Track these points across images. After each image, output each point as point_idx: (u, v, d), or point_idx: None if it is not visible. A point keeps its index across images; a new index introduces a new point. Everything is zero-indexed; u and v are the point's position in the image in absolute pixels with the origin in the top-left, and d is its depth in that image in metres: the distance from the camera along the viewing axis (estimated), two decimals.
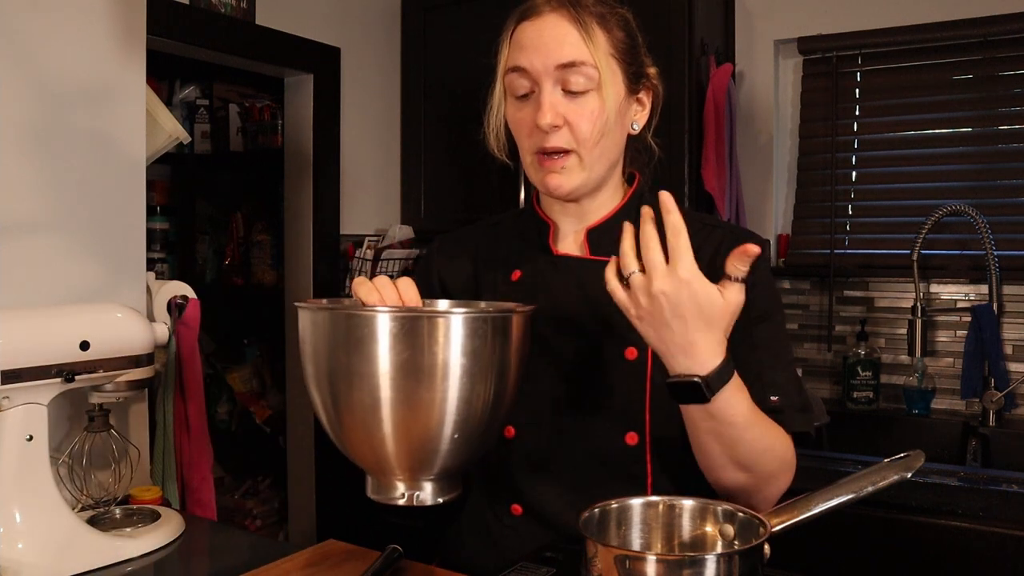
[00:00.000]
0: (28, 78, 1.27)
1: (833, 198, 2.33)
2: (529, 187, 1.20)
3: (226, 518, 2.74)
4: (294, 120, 2.47)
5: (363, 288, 0.90)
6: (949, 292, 2.22)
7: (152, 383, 1.36)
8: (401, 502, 0.86)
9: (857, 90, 2.33)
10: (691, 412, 0.92)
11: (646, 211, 0.86)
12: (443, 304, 1.00)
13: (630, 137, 1.10)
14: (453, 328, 0.81)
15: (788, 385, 1.04)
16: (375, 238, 2.47)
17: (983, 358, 2.11)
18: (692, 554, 0.84)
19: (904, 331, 2.24)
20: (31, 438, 1.07)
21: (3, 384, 1.04)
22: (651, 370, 1.03)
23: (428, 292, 1.16)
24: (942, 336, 2.23)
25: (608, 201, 1.11)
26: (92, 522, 1.16)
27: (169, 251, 3.14)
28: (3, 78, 1.24)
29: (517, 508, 1.09)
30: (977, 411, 2.13)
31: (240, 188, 3.15)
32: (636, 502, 0.89)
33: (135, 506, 1.25)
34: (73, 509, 1.12)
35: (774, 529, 0.83)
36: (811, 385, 2.38)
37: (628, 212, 1.11)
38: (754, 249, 0.81)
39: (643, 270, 0.85)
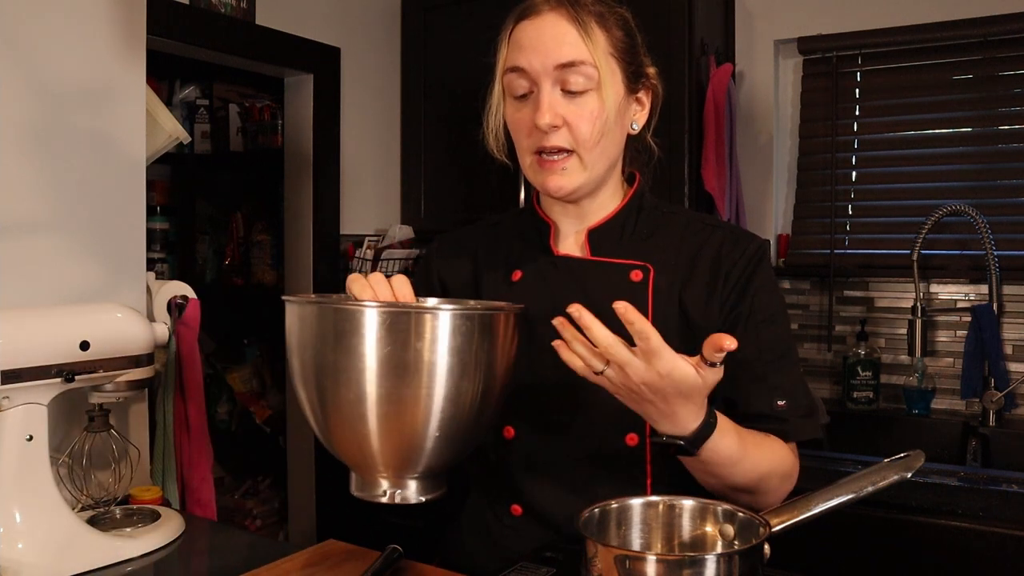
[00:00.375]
0: (28, 78, 1.27)
1: (833, 198, 2.33)
2: (529, 187, 1.19)
3: (226, 518, 2.74)
4: (294, 120, 2.47)
5: (357, 284, 0.90)
6: (949, 292, 2.22)
7: (152, 383, 1.36)
8: (384, 500, 0.86)
9: (857, 90, 2.33)
10: (683, 459, 0.94)
11: (583, 316, 0.83)
12: (434, 302, 0.99)
13: (629, 137, 1.10)
14: (440, 324, 0.80)
15: (794, 388, 1.04)
16: (375, 238, 2.47)
17: (983, 358, 2.11)
18: (692, 554, 0.84)
19: (904, 331, 2.24)
20: (31, 438, 1.07)
21: (3, 384, 1.04)
22: None
23: (428, 292, 1.16)
24: (942, 336, 2.23)
25: (608, 201, 1.11)
26: (92, 522, 1.16)
27: (169, 251, 3.13)
28: (3, 78, 1.24)
29: (517, 508, 1.09)
30: (977, 411, 2.13)
31: (240, 188, 3.15)
32: (636, 502, 0.89)
33: (135, 506, 1.25)
34: (73, 509, 1.12)
35: (774, 529, 0.83)
36: (811, 385, 2.35)
37: (629, 212, 1.11)
38: (730, 344, 0.79)
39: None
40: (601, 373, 0.84)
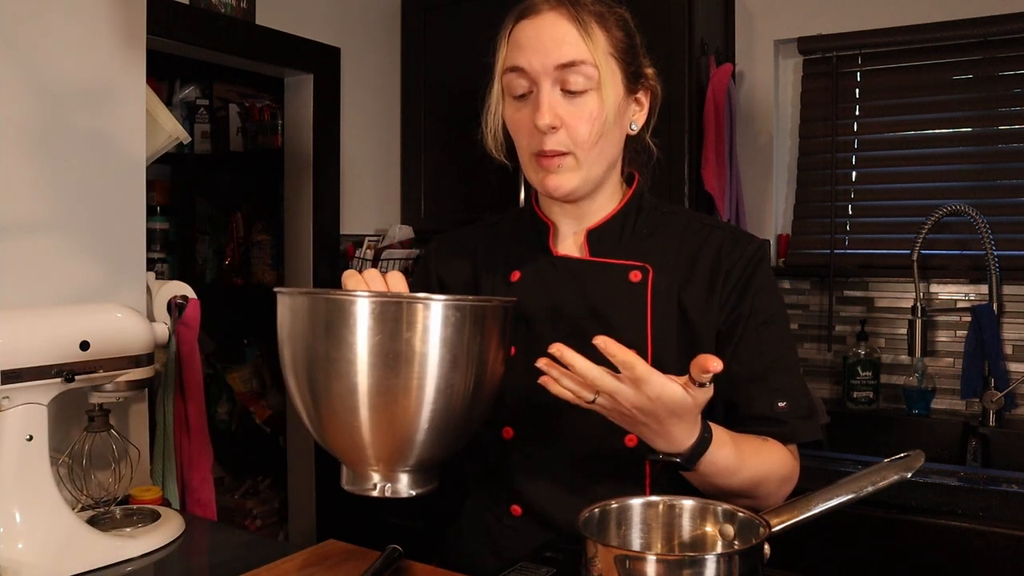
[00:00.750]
0: (28, 78, 1.27)
1: (833, 198, 2.33)
2: (529, 187, 1.19)
3: (226, 518, 2.74)
4: (294, 120, 2.47)
5: (352, 280, 0.91)
6: (949, 292, 2.22)
7: (152, 383, 1.36)
8: (374, 493, 0.85)
9: (857, 90, 2.33)
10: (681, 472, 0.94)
11: (564, 355, 0.82)
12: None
13: (629, 137, 1.10)
14: (432, 314, 0.80)
15: (794, 390, 1.05)
16: (375, 238, 2.47)
17: (983, 358, 2.11)
18: (692, 554, 0.84)
19: (904, 331, 2.24)
20: (31, 438, 1.07)
21: (3, 384, 1.04)
22: None
23: (427, 291, 1.16)
24: (942, 336, 2.23)
25: (607, 202, 1.11)
26: (92, 522, 1.16)
27: (169, 251, 3.13)
28: (3, 78, 1.24)
29: (516, 509, 1.09)
30: (977, 411, 2.13)
31: (240, 188, 3.15)
32: (636, 502, 0.89)
33: (135, 506, 1.25)
34: (73, 509, 1.12)
35: (774, 529, 0.83)
36: (811, 385, 2.37)
37: (628, 213, 1.11)
38: (715, 366, 0.80)
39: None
40: (593, 402, 0.85)
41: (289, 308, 0.85)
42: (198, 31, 2.06)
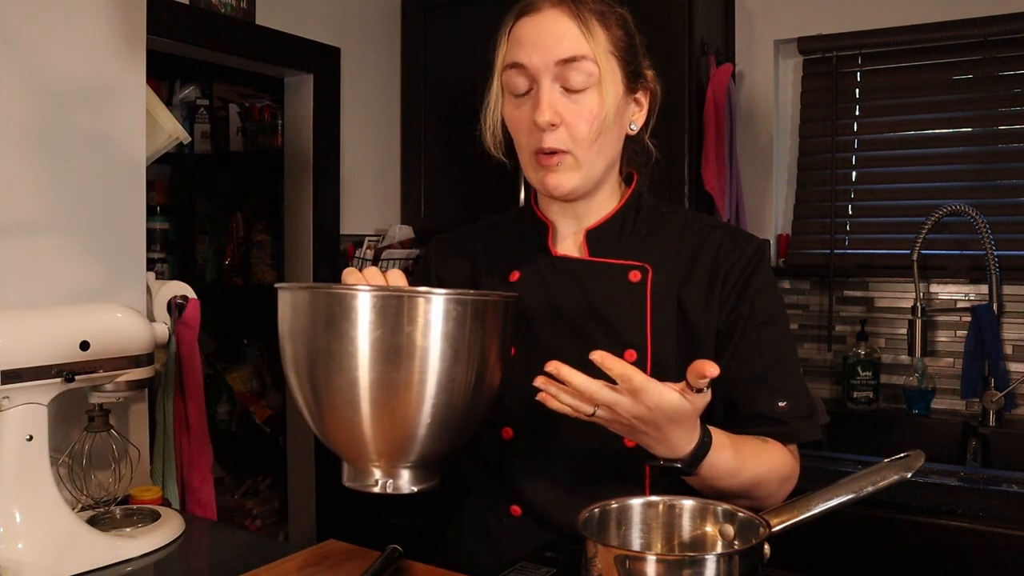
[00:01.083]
0: (28, 78, 1.27)
1: (833, 198, 2.33)
2: (528, 187, 1.19)
3: (226, 518, 2.74)
4: (294, 120, 2.47)
5: (352, 277, 0.92)
6: (949, 292, 2.22)
7: (152, 383, 1.36)
8: (376, 489, 0.85)
9: (857, 90, 2.33)
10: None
11: (561, 372, 0.82)
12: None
13: (628, 137, 1.10)
14: (433, 308, 0.80)
15: (794, 390, 1.05)
16: (375, 238, 2.47)
17: (983, 358, 2.11)
18: (692, 554, 0.84)
19: (904, 331, 2.24)
20: (31, 438, 1.07)
21: (3, 384, 1.04)
22: (650, 371, 1.03)
23: None
24: (942, 336, 2.23)
25: (607, 202, 1.11)
26: (92, 522, 1.16)
27: (169, 251, 3.13)
28: (3, 78, 1.24)
29: (516, 509, 1.09)
30: (977, 411, 2.13)
31: (240, 188, 3.15)
32: (636, 502, 0.89)
33: (135, 506, 1.25)
34: (73, 509, 1.12)
35: (774, 529, 0.83)
36: (811, 385, 2.37)
37: (627, 212, 1.11)
38: (712, 371, 0.80)
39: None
40: (592, 415, 0.85)
41: (290, 303, 0.85)
42: (198, 31, 2.06)
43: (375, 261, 2.42)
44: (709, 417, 1.08)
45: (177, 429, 1.46)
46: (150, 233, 2.81)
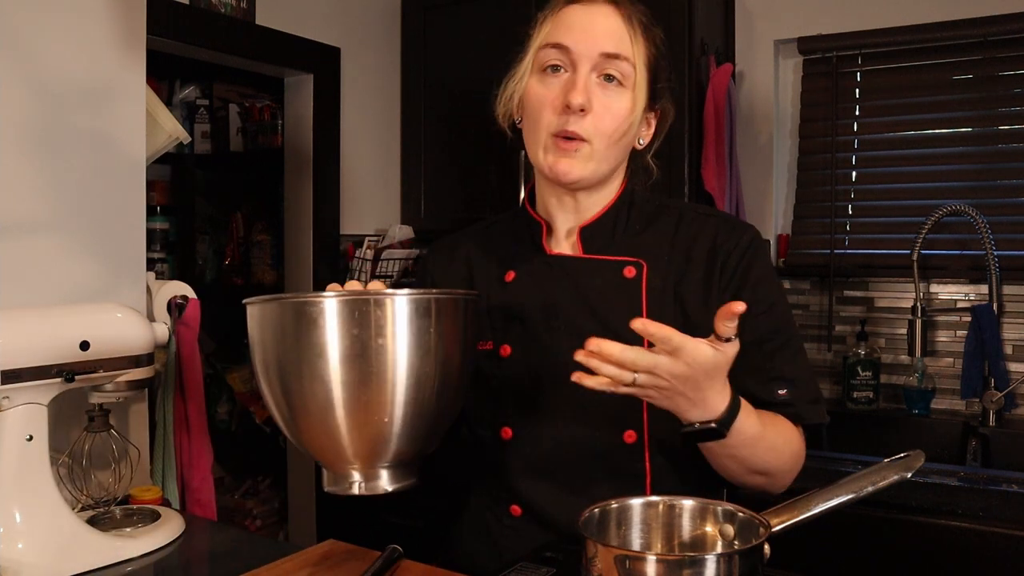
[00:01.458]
0: (28, 78, 1.27)
1: (833, 198, 2.33)
2: (526, 187, 1.19)
3: (226, 518, 2.74)
4: (294, 120, 2.47)
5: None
6: (949, 292, 2.22)
7: (152, 383, 1.36)
8: (355, 491, 0.87)
9: (857, 90, 2.33)
10: (707, 444, 0.95)
11: (603, 347, 0.83)
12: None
13: (632, 152, 1.11)
14: (397, 308, 0.83)
15: (798, 375, 1.05)
16: (375, 238, 2.47)
17: (983, 358, 2.11)
18: (692, 554, 0.84)
19: (904, 331, 2.24)
20: (31, 438, 1.07)
21: (3, 384, 1.04)
22: None
23: None
24: (942, 336, 2.23)
25: (602, 200, 1.11)
26: (92, 522, 1.16)
27: (169, 251, 3.13)
28: (3, 78, 1.24)
29: (516, 509, 1.09)
30: (977, 411, 2.13)
31: (240, 188, 3.15)
32: (636, 502, 0.89)
33: (135, 506, 1.25)
34: (73, 509, 1.12)
35: (774, 529, 0.83)
36: None
37: (619, 209, 1.11)
38: (739, 307, 0.82)
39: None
40: (632, 383, 0.85)
41: (257, 317, 0.87)
42: (198, 31, 2.06)
43: (375, 261, 2.42)
44: None
45: (177, 429, 1.46)
46: (150, 233, 2.81)
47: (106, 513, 1.21)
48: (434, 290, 0.89)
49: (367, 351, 0.81)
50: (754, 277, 1.06)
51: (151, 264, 2.55)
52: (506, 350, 1.08)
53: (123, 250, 1.41)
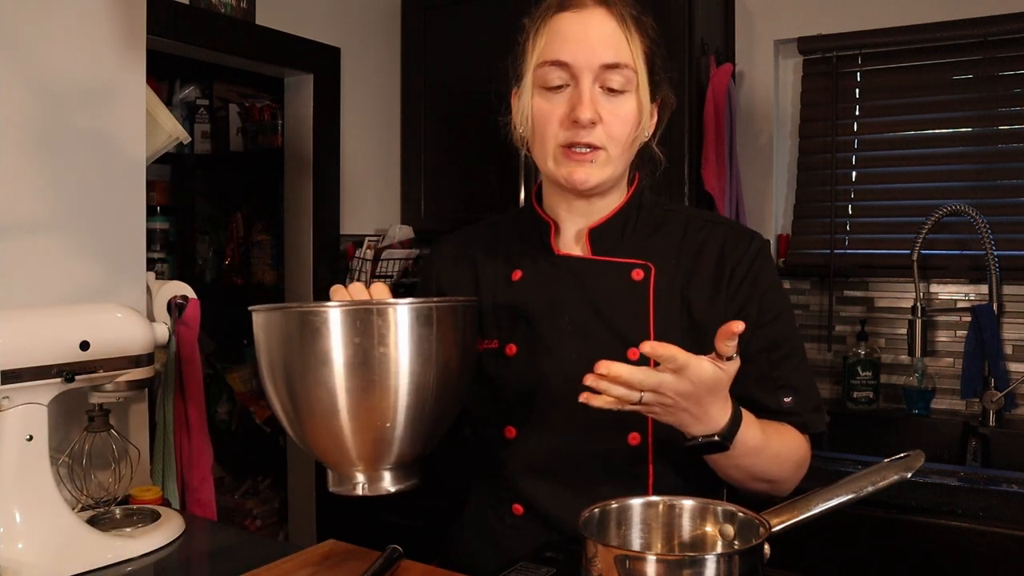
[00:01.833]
0: (28, 78, 1.27)
1: (833, 198, 2.33)
2: (529, 187, 1.19)
3: (226, 518, 2.74)
4: (294, 120, 2.47)
5: (338, 294, 0.94)
6: (949, 292, 2.22)
7: (152, 383, 1.36)
8: (360, 492, 0.89)
9: (857, 90, 2.33)
10: (711, 456, 0.96)
11: (612, 369, 0.83)
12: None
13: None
14: (399, 316, 0.85)
15: (802, 384, 1.07)
16: (375, 238, 2.47)
17: (983, 358, 2.11)
18: (692, 554, 0.84)
19: (904, 331, 2.24)
20: (31, 438, 1.07)
21: (3, 384, 1.04)
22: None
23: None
24: (942, 336, 2.23)
25: (613, 202, 1.11)
26: (92, 522, 1.16)
27: (169, 251, 3.13)
28: (3, 78, 1.24)
29: (518, 508, 1.09)
30: (977, 411, 2.13)
31: (240, 188, 3.15)
32: (636, 502, 0.89)
33: (135, 506, 1.25)
34: (73, 509, 1.12)
35: (774, 529, 0.83)
36: None
37: (628, 211, 1.11)
38: (738, 327, 0.83)
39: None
40: (639, 401, 0.86)
41: (263, 324, 0.89)
42: (198, 31, 2.06)
43: (375, 261, 2.42)
44: None
45: (177, 429, 1.46)
46: (150, 233, 2.81)
47: (106, 513, 1.21)
48: (434, 298, 0.91)
49: (370, 359, 0.84)
50: (763, 287, 1.07)
51: (151, 264, 2.55)
52: (511, 349, 1.08)
53: (123, 250, 1.41)
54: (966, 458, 1.95)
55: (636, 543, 0.88)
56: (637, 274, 1.06)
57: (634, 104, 1.03)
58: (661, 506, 0.89)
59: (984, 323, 2.09)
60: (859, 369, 2.24)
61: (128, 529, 1.17)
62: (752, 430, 0.95)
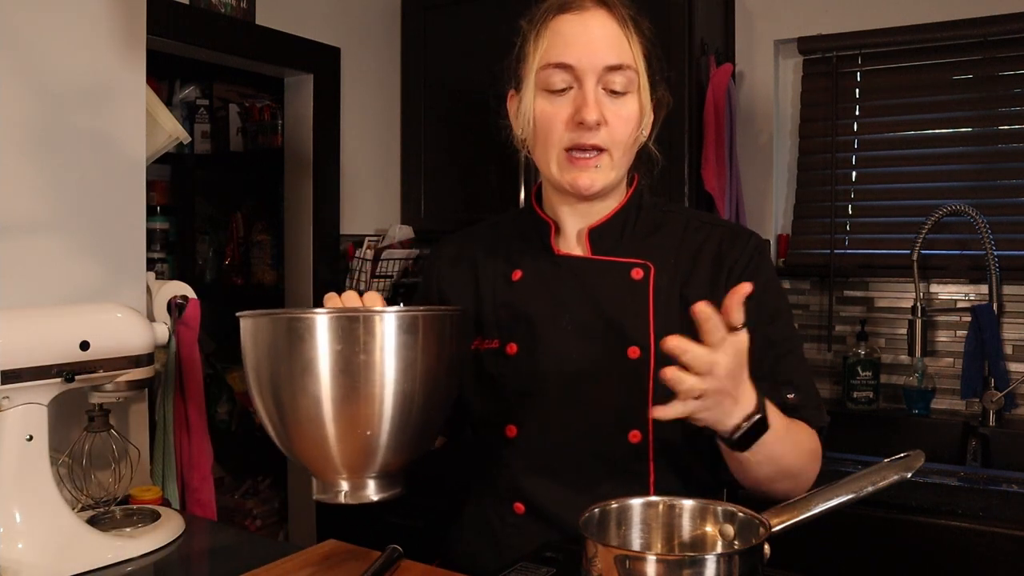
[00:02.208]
0: (28, 78, 1.27)
1: (833, 198, 2.33)
2: (529, 187, 1.19)
3: (226, 518, 2.74)
4: (294, 120, 2.47)
5: (330, 302, 0.94)
6: (949, 292, 2.22)
7: (152, 383, 1.36)
8: (343, 500, 0.89)
9: (857, 90, 2.33)
10: (738, 456, 0.93)
11: (681, 344, 0.81)
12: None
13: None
14: (386, 325, 0.85)
15: (803, 382, 1.07)
16: (375, 238, 2.47)
17: (983, 358, 2.11)
18: (692, 554, 0.84)
19: (904, 331, 2.24)
20: (31, 438, 1.07)
21: (3, 384, 1.04)
22: (653, 368, 1.04)
23: (428, 303, 1.19)
24: (942, 336, 2.23)
25: (613, 202, 1.11)
26: (92, 522, 1.16)
27: (169, 251, 3.13)
28: (3, 78, 1.24)
29: (519, 507, 1.09)
30: (977, 411, 2.13)
31: (240, 188, 3.15)
32: (636, 502, 0.89)
33: (135, 506, 1.25)
34: (73, 509, 1.12)
35: (774, 529, 0.83)
36: None
37: (628, 211, 1.11)
38: (746, 288, 0.80)
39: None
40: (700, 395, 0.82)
41: (251, 331, 0.89)
42: (198, 31, 2.06)
43: (375, 261, 2.42)
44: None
45: (177, 429, 1.46)
46: (150, 233, 2.81)
47: (106, 513, 1.21)
48: (420, 307, 0.91)
49: (354, 367, 0.84)
50: (760, 284, 1.06)
51: (151, 264, 2.55)
52: (512, 348, 1.08)
53: (123, 250, 1.41)
54: (966, 458, 1.95)
55: (636, 543, 0.88)
56: (637, 273, 1.07)
57: (636, 105, 1.03)
58: (661, 506, 0.89)
59: (984, 323, 2.09)
60: (859, 369, 2.24)
61: (128, 529, 1.17)
62: (772, 408, 0.92)
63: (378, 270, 2.42)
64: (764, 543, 0.79)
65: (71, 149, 1.33)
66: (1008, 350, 2.13)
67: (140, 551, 1.12)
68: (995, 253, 2.07)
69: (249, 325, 0.89)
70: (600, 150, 1.03)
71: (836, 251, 2.31)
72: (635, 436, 1.04)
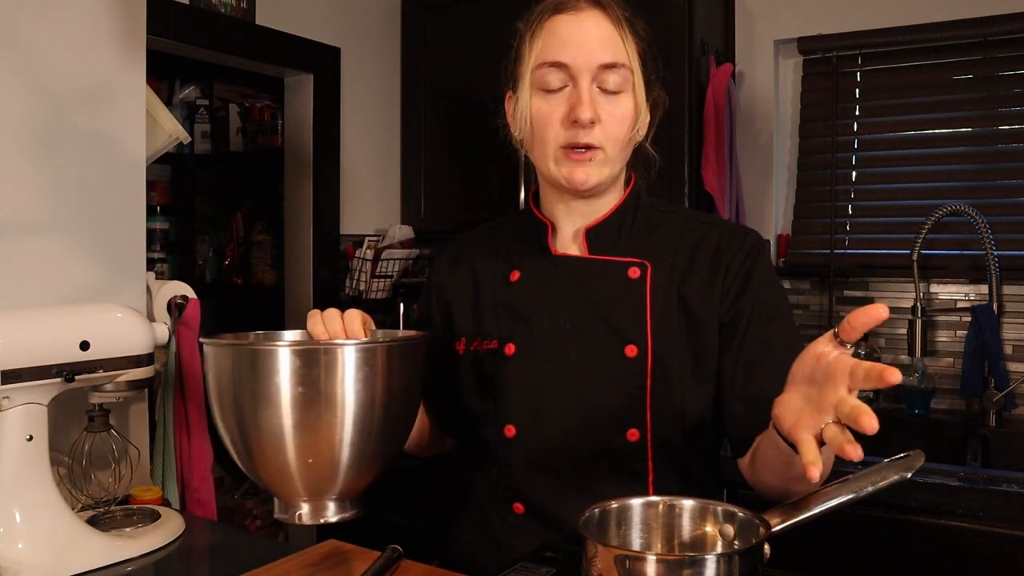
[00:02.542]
0: (28, 78, 1.27)
1: (833, 198, 2.33)
2: (529, 187, 1.19)
3: (226, 518, 2.74)
4: (294, 120, 2.47)
5: (311, 320, 0.94)
6: (949, 292, 2.22)
7: (152, 383, 1.36)
8: (300, 521, 0.90)
9: (857, 90, 2.33)
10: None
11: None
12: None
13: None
14: (346, 358, 0.85)
15: None
16: (375, 238, 2.47)
17: (983, 358, 2.10)
18: (692, 554, 0.84)
19: (904, 331, 2.23)
20: (31, 438, 1.07)
21: (3, 384, 1.04)
22: (650, 367, 1.04)
23: (429, 313, 1.20)
24: (942, 336, 2.23)
25: (610, 201, 1.11)
26: (92, 522, 1.16)
27: (169, 251, 3.13)
28: (3, 78, 1.24)
29: (519, 507, 1.09)
30: (977, 411, 2.13)
31: (240, 188, 3.15)
32: (636, 502, 0.89)
33: (135, 506, 1.25)
34: (73, 509, 1.12)
35: (774, 529, 0.83)
36: None
37: (625, 211, 1.11)
38: (883, 312, 0.72)
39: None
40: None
41: (214, 358, 0.89)
42: (198, 31, 2.06)
43: (375, 261, 2.42)
44: (716, 417, 1.09)
45: (177, 429, 1.46)
46: (150, 233, 2.81)
47: (106, 513, 1.21)
48: (380, 338, 0.92)
49: (315, 399, 0.85)
50: (757, 281, 1.07)
51: (151, 264, 2.55)
52: (510, 349, 1.08)
53: (123, 250, 1.41)
54: (966, 458, 1.95)
55: (636, 543, 0.88)
56: (634, 272, 1.07)
57: (630, 104, 1.04)
58: (661, 506, 0.89)
59: (984, 323, 2.09)
60: None
61: (128, 529, 1.17)
62: None
63: (378, 270, 2.42)
64: (764, 543, 0.79)
65: (71, 149, 1.33)
66: (1008, 350, 2.13)
67: (140, 551, 1.12)
68: (995, 253, 2.07)
69: (212, 353, 0.90)
70: (594, 148, 1.03)
71: (836, 251, 2.31)
72: (633, 435, 1.04)
